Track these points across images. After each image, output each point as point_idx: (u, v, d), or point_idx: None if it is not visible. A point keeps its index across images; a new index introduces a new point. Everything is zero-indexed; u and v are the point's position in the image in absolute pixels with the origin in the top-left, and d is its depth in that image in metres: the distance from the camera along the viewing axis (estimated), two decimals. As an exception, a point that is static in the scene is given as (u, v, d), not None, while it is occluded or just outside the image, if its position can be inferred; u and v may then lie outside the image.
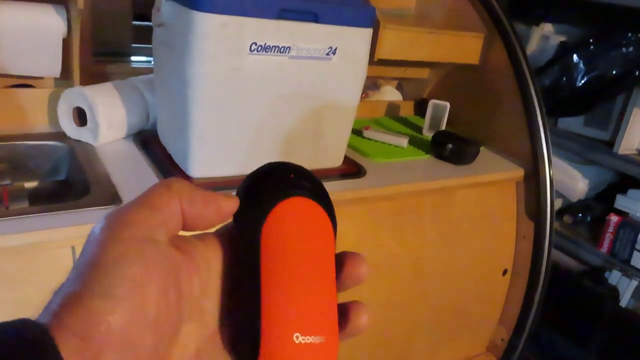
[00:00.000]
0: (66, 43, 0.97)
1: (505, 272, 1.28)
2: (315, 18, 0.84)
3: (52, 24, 0.94)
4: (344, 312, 0.27)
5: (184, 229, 0.26)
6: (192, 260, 0.26)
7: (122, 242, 0.23)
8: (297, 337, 0.25)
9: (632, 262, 1.49)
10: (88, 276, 0.22)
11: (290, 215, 0.28)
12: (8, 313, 0.68)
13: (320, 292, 0.27)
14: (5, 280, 0.69)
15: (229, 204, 0.27)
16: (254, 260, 0.26)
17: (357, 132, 1.20)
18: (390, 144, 1.19)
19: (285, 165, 0.30)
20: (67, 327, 0.21)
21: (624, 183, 1.60)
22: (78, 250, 0.71)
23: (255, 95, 0.84)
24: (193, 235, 0.27)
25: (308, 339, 0.25)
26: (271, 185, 0.28)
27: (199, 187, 0.27)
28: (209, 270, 0.27)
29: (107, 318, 0.21)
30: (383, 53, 1.12)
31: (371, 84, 1.47)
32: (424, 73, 1.47)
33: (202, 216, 0.26)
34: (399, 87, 1.52)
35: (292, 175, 0.29)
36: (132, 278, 0.22)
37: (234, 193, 0.29)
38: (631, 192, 1.54)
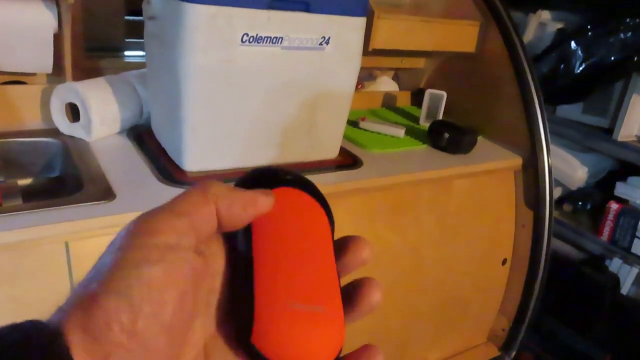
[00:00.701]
0: (57, 38, 0.96)
1: (504, 262, 1.28)
2: (306, 7, 0.83)
3: (42, 20, 0.93)
4: (356, 289, 0.27)
5: (219, 230, 0.26)
6: (207, 262, 0.26)
7: (144, 248, 0.23)
8: (292, 304, 0.24)
9: (633, 250, 1.48)
10: (106, 277, 0.22)
11: (281, 202, 0.28)
12: (3, 309, 0.68)
13: (318, 268, 0.27)
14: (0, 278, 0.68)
15: (267, 201, 0.27)
16: (247, 243, 0.26)
17: (353, 123, 1.20)
18: (386, 135, 1.18)
19: (276, 166, 0.31)
20: (79, 326, 0.21)
21: (624, 170, 1.59)
22: (72, 247, 0.71)
23: (248, 87, 0.84)
24: None
25: (306, 307, 0.25)
26: (263, 177, 0.30)
27: (236, 188, 0.27)
28: (215, 265, 0.27)
29: (121, 318, 0.21)
30: (378, 43, 1.11)
31: (367, 75, 1.46)
32: (420, 63, 1.46)
33: (239, 216, 0.26)
34: (395, 78, 1.51)
35: (282, 173, 0.30)
36: (150, 282, 0.22)
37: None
38: (631, 179, 1.53)
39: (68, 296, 0.22)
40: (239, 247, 0.27)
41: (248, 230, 0.27)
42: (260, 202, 0.27)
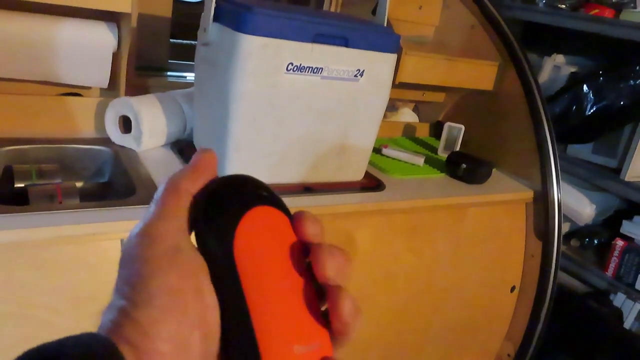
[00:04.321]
0: (115, 57, 1.06)
1: (513, 289, 1.34)
2: (346, 43, 0.92)
3: (104, 39, 1.03)
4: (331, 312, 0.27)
5: None
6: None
7: (154, 258, 0.25)
8: (295, 347, 0.25)
9: (637, 286, 1.54)
10: (129, 293, 0.24)
11: (256, 226, 0.28)
12: (64, 297, 0.75)
13: (305, 298, 0.27)
14: (60, 268, 0.76)
15: (211, 157, 0.30)
16: (235, 282, 0.26)
17: (376, 150, 1.28)
18: (407, 162, 1.26)
19: (235, 177, 0.30)
20: (124, 340, 0.23)
21: (630, 209, 1.65)
22: (126, 243, 0.79)
23: (288, 110, 0.92)
24: None
25: (306, 348, 0.26)
26: (232, 198, 0.28)
27: (195, 168, 0.29)
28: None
29: (155, 327, 0.23)
30: (404, 77, 1.20)
31: (390, 106, 1.55)
32: (440, 97, 1.55)
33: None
34: (416, 110, 1.60)
35: (255, 188, 0.30)
36: (169, 287, 0.24)
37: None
38: (637, 218, 1.59)
39: (102, 315, 0.25)
40: (228, 287, 0.26)
41: (233, 266, 0.26)
42: (206, 163, 0.29)
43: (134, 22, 1.01)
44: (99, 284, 0.79)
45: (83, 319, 0.78)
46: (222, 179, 0.29)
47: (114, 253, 0.79)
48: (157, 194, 0.28)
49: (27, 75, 1.02)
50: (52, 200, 0.85)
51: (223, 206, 0.28)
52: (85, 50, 1.03)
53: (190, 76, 1.36)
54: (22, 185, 0.88)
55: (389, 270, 1.09)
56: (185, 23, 1.48)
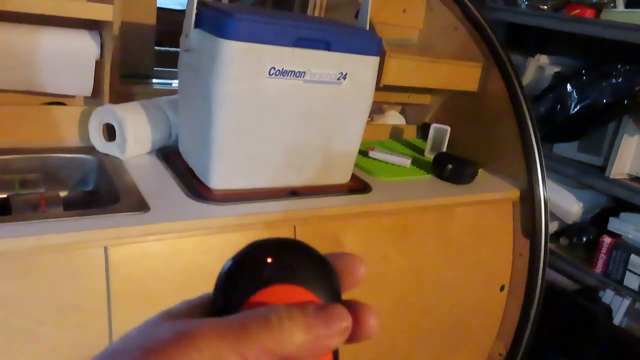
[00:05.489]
0: (98, 65, 1.06)
1: (502, 288, 1.34)
2: (327, 46, 0.93)
3: (86, 48, 1.03)
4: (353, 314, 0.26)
5: None
6: None
7: None
8: None
9: (625, 282, 1.55)
10: None
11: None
12: (48, 307, 0.75)
13: None
14: (44, 278, 0.76)
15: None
16: None
17: (363, 152, 1.28)
18: (394, 164, 1.27)
19: (263, 246, 0.26)
20: None
21: (617, 206, 1.67)
22: (111, 251, 0.78)
23: (272, 114, 0.93)
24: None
25: None
26: (243, 277, 0.25)
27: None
28: None
29: None
30: (388, 79, 1.21)
31: (376, 109, 1.56)
32: (426, 99, 1.56)
33: None
34: (403, 112, 1.61)
35: (269, 259, 0.26)
36: None
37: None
38: (623, 215, 1.61)
39: None
40: None
41: None
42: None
43: (116, 30, 1.01)
44: (84, 292, 0.78)
45: (68, 328, 0.77)
46: (253, 244, 0.26)
47: (98, 261, 0.78)
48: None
49: (10, 85, 1.01)
50: (35, 210, 0.85)
51: (237, 281, 0.25)
52: (68, 58, 1.02)
53: (176, 83, 1.36)
54: (5, 195, 0.88)
55: (377, 271, 1.09)
56: (171, 30, 1.48)
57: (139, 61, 1.29)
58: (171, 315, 0.26)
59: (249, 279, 0.25)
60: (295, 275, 0.25)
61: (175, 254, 0.86)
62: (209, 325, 0.23)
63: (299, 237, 0.97)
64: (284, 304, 0.24)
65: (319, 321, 0.24)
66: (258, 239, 0.27)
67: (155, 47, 1.35)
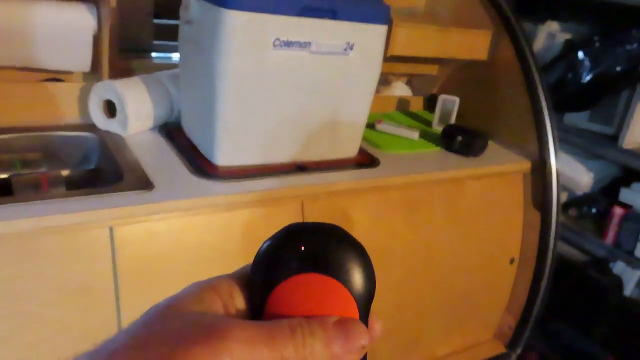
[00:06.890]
0: (96, 39, 1.03)
1: (512, 261, 1.33)
2: (334, 15, 0.89)
3: (83, 22, 0.99)
4: None
5: None
6: None
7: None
8: None
9: (636, 253, 1.53)
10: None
11: (292, 297, 0.26)
12: (53, 289, 0.73)
13: None
14: (48, 258, 0.74)
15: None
16: None
17: (370, 125, 1.25)
18: (401, 137, 1.24)
19: (299, 231, 0.27)
20: None
21: (628, 176, 1.64)
22: (116, 231, 0.77)
23: (277, 88, 0.89)
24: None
25: None
26: (274, 262, 0.26)
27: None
28: None
29: None
30: (396, 49, 1.17)
31: (382, 80, 1.52)
32: (433, 69, 1.51)
33: None
34: (409, 83, 1.57)
35: (302, 247, 0.26)
36: None
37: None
38: (635, 185, 1.58)
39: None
40: None
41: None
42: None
43: (113, 2, 0.97)
44: (90, 274, 0.77)
45: (75, 310, 0.76)
46: (289, 228, 0.27)
47: (104, 241, 0.77)
48: None
49: (5, 61, 0.98)
50: (37, 190, 0.83)
51: (268, 265, 0.26)
52: (64, 33, 0.99)
53: (176, 57, 1.32)
54: (6, 175, 0.86)
55: (387, 246, 1.08)
56: (169, 2, 1.44)
57: (137, 35, 1.25)
58: (177, 307, 0.25)
59: (287, 264, 0.26)
60: (333, 268, 0.26)
61: (181, 233, 0.84)
62: (241, 328, 0.23)
63: (307, 214, 0.95)
64: (305, 317, 0.25)
65: (338, 339, 0.25)
66: (298, 222, 0.27)
67: (154, 20, 1.31)
